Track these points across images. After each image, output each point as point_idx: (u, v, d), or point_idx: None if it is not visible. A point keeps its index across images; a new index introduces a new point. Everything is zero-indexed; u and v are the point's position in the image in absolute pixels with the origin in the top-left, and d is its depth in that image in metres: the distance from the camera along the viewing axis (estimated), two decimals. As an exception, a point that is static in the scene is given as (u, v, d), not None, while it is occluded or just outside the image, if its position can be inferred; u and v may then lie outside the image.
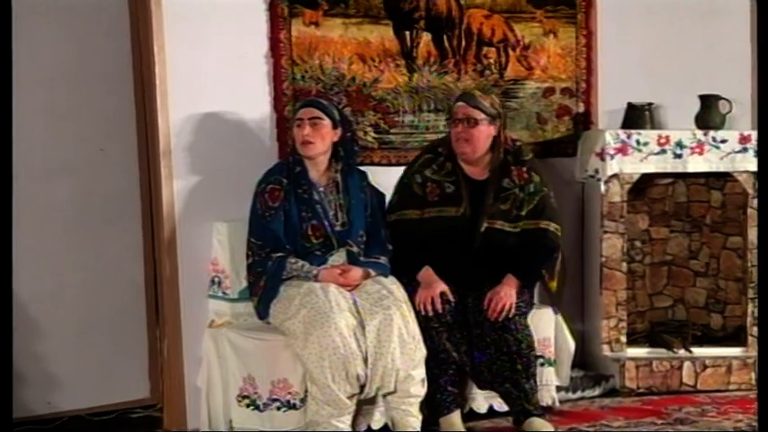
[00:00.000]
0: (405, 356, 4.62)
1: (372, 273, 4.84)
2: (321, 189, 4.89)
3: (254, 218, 4.85)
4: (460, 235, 4.99)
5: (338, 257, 4.86)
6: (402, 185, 5.10)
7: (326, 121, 4.84)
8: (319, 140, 4.83)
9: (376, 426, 4.80)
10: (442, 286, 4.89)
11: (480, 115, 4.98)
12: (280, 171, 4.90)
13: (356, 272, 4.79)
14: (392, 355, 4.59)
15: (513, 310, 4.89)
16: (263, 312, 4.80)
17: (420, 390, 4.71)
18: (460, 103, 5.05)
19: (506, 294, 4.91)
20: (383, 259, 4.91)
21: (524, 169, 5.07)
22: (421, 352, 4.69)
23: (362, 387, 4.61)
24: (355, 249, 4.86)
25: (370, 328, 4.59)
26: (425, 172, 5.06)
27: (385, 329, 4.60)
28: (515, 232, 5.03)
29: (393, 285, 4.80)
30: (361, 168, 5.07)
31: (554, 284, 5.20)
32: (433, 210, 5.02)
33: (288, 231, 4.80)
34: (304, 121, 4.83)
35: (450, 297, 4.88)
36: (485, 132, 5.00)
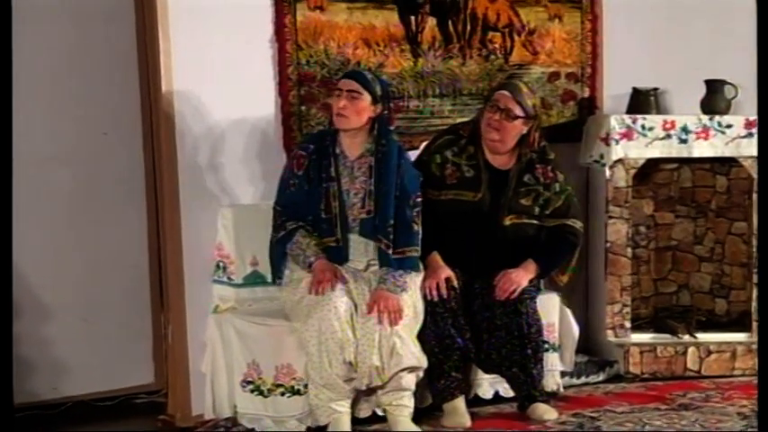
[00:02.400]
0: (394, 356, 4.54)
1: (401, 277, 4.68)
2: (350, 161, 4.75)
3: (281, 184, 4.79)
4: (475, 221, 4.94)
5: (357, 247, 4.75)
6: (420, 164, 5.00)
7: (365, 96, 4.69)
8: (354, 115, 4.68)
9: (363, 414, 4.78)
10: (447, 272, 4.85)
11: (520, 112, 4.92)
12: (312, 138, 4.82)
13: (393, 300, 4.59)
14: (377, 354, 4.53)
15: (518, 293, 4.86)
16: (273, 276, 4.79)
17: (411, 383, 4.66)
18: (505, 92, 4.97)
19: (519, 276, 4.90)
20: (413, 250, 4.72)
21: (549, 168, 5.04)
22: (410, 348, 4.60)
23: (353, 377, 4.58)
24: (384, 246, 4.68)
25: (360, 323, 4.56)
26: (446, 153, 4.99)
27: (370, 329, 4.54)
28: (534, 225, 5.02)
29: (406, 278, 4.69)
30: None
31: (564, 279, 5.16)
32: (450, 192, 4.95)
33: (309, 200, 4.71)
34: (342, 92, 4.70)
35: (455, 283, 4.84)
36: (518, 128, 4.94)
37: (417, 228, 4.75)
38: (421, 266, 4.80)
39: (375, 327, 4.54)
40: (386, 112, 4.77)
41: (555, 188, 5.03)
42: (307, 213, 4.71)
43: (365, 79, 4.73)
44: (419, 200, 4.77)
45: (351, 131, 4.74)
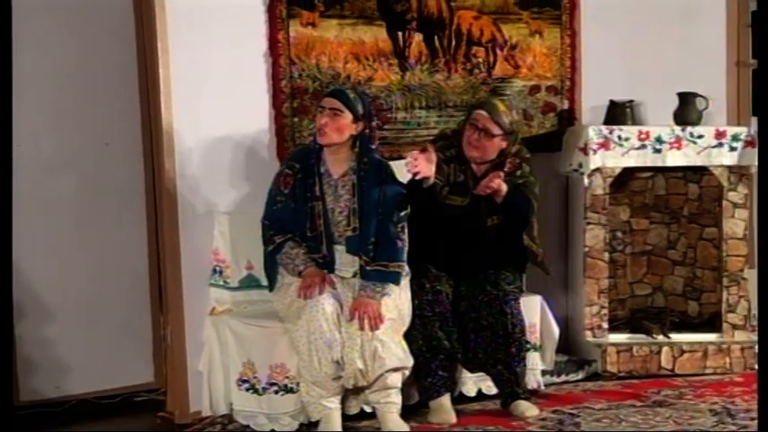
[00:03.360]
0: (376, 359, 4.59)
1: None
2: (334, 180, 4.77)
3: (268, 199, 4.80)
4: (462, 225, 4.99)
5: (344, 258, 4.78)
6: None
7: (346, 114, 4.71)
8: (335, 132, 4.70)
9: (352, 411, 4.82)
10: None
11: (498, 130, 4.96)
12: (298, 156, 4.82)
13: (372, 306, 4.62)
14: (361, 358, 4.58)
15: (502, 187, 4.81)
16: (270, 285, 4.82)
17: (397, 381, 4.69)
18: (482, 112, 5.00)
19: (497, 176, 4.82)
20: (395, 266, 4.71)
21: (517, 161, 5.04)
22: (392, 351, 4.63)
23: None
24: (363, 262, 4.71)
25: (344, 327, 4.61)
26: (446, 153, 4.99)
27: (353, 334, 4.59)
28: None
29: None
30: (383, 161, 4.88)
31: (540, 250, 5.14)
32: (439, 196, 4.95)
33: (295, 217, 4.73)
34: (325, 109, 4.73)
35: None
36: (497, 145, 4.98)
37: (401, 244, 4.74)
38: (407, 269, 4.81)
39: (357, 331, 4.59)
40: (367, 130, 4.78)
41: (516, 173, 5.00)
42: (294, 229, 4.74)
43: (347, 98, 4.74)
44: (403, 214, 4.76)
45: (334, 148, 4.74)
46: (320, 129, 4.72)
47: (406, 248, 4.78)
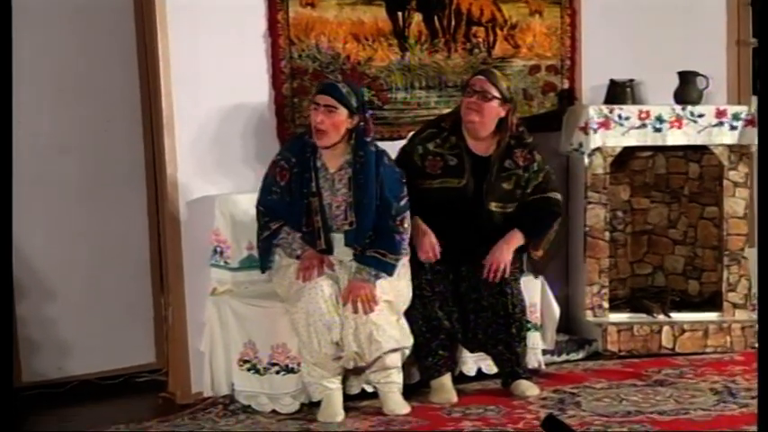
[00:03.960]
0: (372, 342, 4.58)
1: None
2: (331, 174, 4.72)
3: (263, 186, 4.77)
4: (461, 206, 4.97)
5: (341, 246, 4.75)
6: (404, 154, 5.03)
7: (341, 110, 4.64)
8: (333, 129, 4.64)
9: (354, 391, 4.82)
10: (432, 236, 4.90)
11: (495, 92, 4.95)
12: (293, 148, 4.77)
13: (366, 289, 4.60)
14: (356, 342, 4.58)
15: (507, 271, 4.91)
16: (262, 269, 4.81)
17: (396, 360, 4.69)
18: (480, 77, 5.02)
19: (502, 254, 4.91)
20: (393, 258, 4.67)
21: (527, 151, 5.05)
22: (388, 333, 4.62)
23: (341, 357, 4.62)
24: (359, 251, 4.69)
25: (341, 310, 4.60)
26: (428, 145, 5.00)
27: (348, 317, 4.59)
28: (516, 209, 5.06)
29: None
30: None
31: (539, 253, 5.17)
32: (435, 181, 4.97)
33: (290, 211, 4.71)
34: (319, 106, 4.66)
35: (437, 248, 4.89)
36: (495, 110, 4.96)
37: (399, 237, 4.69)
38: (408, 249, 4.80)
39: (351, 315, 4.58)
40: (362, 123, 4.72)
41: (533, 168, 5.05)
42: (289, 221, 4.71)
43: (340, 93, 4.66)
44: (402, 203, 4.72)
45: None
46: (318, 130, 4.65)
47: (408, 237, 4.76)
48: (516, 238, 4.99)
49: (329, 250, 4.74)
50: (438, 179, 4.98)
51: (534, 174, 5.06)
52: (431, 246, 4.88)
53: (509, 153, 5.03)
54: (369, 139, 4.74)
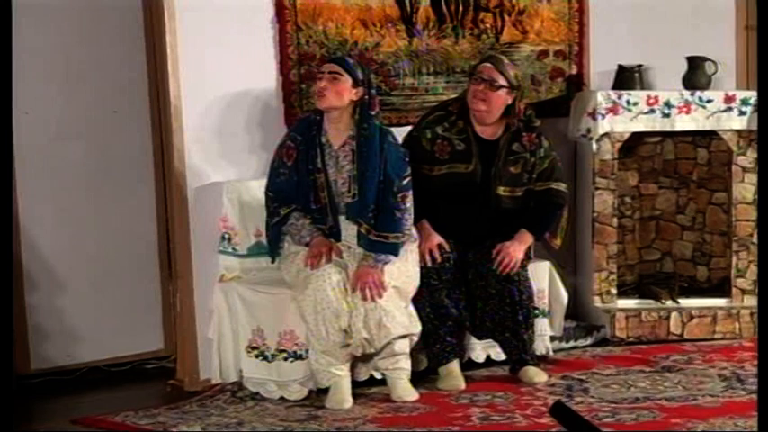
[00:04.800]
0: (381, 328, 4.56)
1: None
2: (335, 150, 4.70)
3: (271, 170, 4.76)
4: (469, 191, 4.95)
5: (348, 228, 4.71)
6: (411, 140, 5.00)
7: (346, 78, 4.63)
8: (334, 95, 4.62)
9: (362, 378, 4.80)
10: (438, 239, 4.88)
11: (503, 81, 4.91)
12: (299, 128, 4.76)
13: (374, 275, 4.59)
14: (365, 328, 4.55)
15: (517, 267, 4.90)
16: (271, 257, 4.80)
17: (404, 347, 4.67)
18: (487, 64, 4.97)
19: (515, 250, 4.92)
20: (394, 236, 4.63)
21: (534, 135, 5.03)
22: (397, 319, 4.60)
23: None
24: (364, 230, 4.64)
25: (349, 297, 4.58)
26: (436, 129, 4.97)
27: (357, 304, 4.57)
28: (525, 194, 5.03)
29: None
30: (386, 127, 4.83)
31: (558, 242, 5.17)
32: (443, 167, 4.94)
33: (299, 190, 4.69)
34: (324, 74, 4.67)
35: (447, 248, 4.88)
36: (502, 98, 4.93)
37: (400, 215, 4.65)
38: (416, 234, 4.79)
39: (361, 301, 4.56)
40: (366, 97, 4.70)
41: (540, 153, 5.02)
42: (297, 201, 4.70)
43: (346, 62, 4.69)
44: (405, 182, 4.68)
45: (334, 117, 4.67)
46: (319, 92, 4.65)
47: (410, 217, 4.72)
48: (527, 238, 5.00)
49: (337, 232, 4.71)
50: (446, 165, 4.95)
51: (540, 159, 5.04)
52: (429, 251, 4.85)
53: (517, 137, 5.01)
54: (373, 113, 4.72)
